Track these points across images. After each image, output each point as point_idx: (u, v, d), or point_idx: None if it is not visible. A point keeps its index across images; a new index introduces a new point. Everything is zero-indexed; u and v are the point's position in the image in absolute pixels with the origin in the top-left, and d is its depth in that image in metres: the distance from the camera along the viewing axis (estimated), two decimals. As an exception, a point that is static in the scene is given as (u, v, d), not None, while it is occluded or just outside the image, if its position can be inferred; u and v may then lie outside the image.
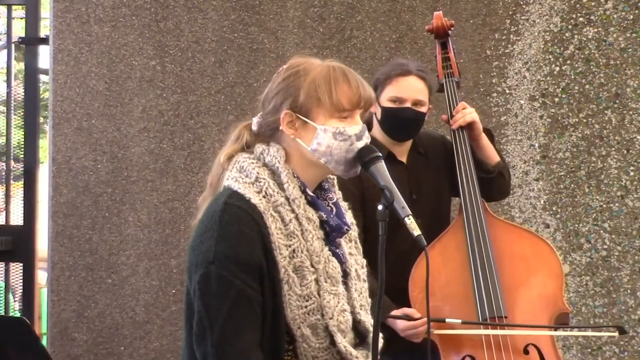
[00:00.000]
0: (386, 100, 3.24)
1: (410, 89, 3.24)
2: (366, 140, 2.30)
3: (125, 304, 4.70)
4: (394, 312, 3.11)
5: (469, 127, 3.34)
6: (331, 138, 2.26)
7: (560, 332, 3.10)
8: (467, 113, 3.34)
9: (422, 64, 3.41)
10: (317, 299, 2.25)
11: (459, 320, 3.08)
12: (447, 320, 3.08)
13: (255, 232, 2.21)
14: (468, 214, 3.25)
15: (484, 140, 3.37)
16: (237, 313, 2.18)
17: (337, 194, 2.41)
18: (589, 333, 3.09)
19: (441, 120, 3.57)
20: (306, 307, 2.23)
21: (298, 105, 2.28)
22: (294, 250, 2.24)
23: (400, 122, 3.27)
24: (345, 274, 2.33)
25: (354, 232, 2.42)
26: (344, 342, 2.26)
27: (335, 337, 2.25)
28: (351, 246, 2.39)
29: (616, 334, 3.21)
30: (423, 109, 3.28)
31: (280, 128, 2.30)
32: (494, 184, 3.38)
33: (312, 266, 2.25)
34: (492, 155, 3.38)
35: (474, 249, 3.20)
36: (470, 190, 3.29)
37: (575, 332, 3.03)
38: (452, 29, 3.55)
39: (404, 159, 3.34)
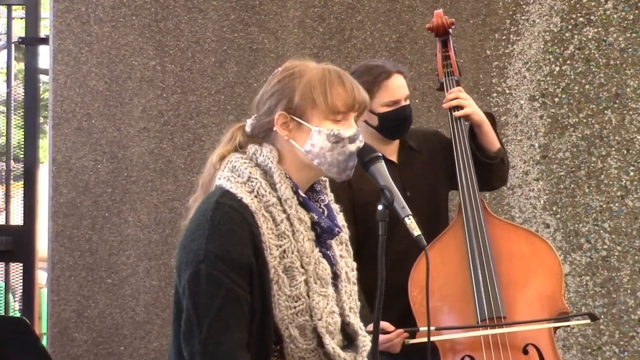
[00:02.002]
0: (380, 106, 3.23)
1: (399, 89, 3.26)
2: (359, 143, 2.29)
3: (125, 304, 4.70)
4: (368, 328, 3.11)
5: (467, 118, 3.35)
6: (325, 140, 2.26)
7: (541, 325, 3.10)
8: (461, 97, 3.34)
9: (388, 59, 3.41)
10: (306, 299, 2.25)
11: (433, 327, 3.07)
12: (421, 329, 3.07)
13: (246, 231, 2.21)
14: (467, 213, 3.24)
15: (486, 126, 3.36)
16: (225, 312, 2.19)
17: (329, 196, 2.41)
18: (563, 324, 3.09)
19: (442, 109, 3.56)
20: (295, 307, 2.23)
21: (293, 107, 2.28)
22: (284, 251, 2.24)
23: (402, 121, 3.29)
24: (336, 276, 2.33)
25: (345, 234, 2.42)
26: (332, 343, 2.26)
27: (323, 339, 2.25)
28: (342, 248, 2.39)
29: (588, 320, 3.20)
30: (408, 100, 3.31)
31: (274, 129, 2.30)
32: (495, 169, 3.37)
33: (302, 267, 2.25)
34: (494, 142, 3.37)
35: (473, 248, 3.20)
36: (469, 190, 3.28)
37: (552, 324, 3.07)
38: (453, 27, 3.54)
39: (394, 158, 3.34)
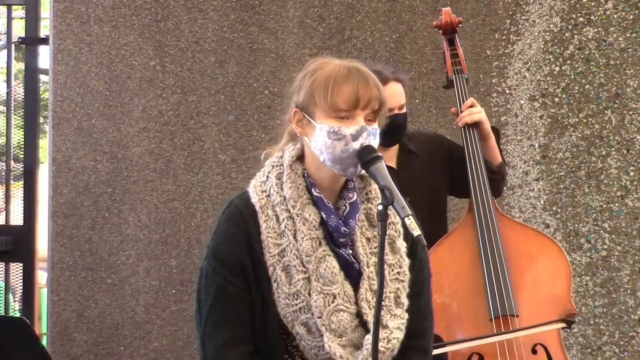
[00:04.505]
0: None
1: (393, 97, 3.26)
2: (362, 140, 2.29)
3: (125, 304, 4.70)
4: None
5: (476, 126, 3.34)
6: (326, 137, 2.28)
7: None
8: (474, 112, 3.34)
9: (388, 64, 3.40)
10: (306, 297, 2.28)
11: (453, 347, 3.06)
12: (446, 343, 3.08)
13: (242, 230, 2.30)
14: (479, 211, 3.25)
15: (492, 140, 3.37)
16: (217, 308, 2.29)
17: (371, 194, 2.38)
18: (536, 330, 3.08)
19: (451, 113, 3.56)
20: (295, 305, 2.28)
21: (301, 104, 2.33)
22: (283, 250, 2.29)
23: (392, 129, 3.27)
24: (359, 274, 2.33)
25: (393, 231, 2.38)
26: (332, 341, 2.27)
27: (323, 336, 2.27)
28: (370, 246, 2.36)
29: (562, 325, 3.16)
30: (405, 109, 3.32)
31: (292, 125, 2.36)
32: (495, 184, 3.39)
33: (303, 265, 2.28)
34: (497, 156, 3.39)
35: (485, 246, 3.20)
36: (480, 188, 3.29)
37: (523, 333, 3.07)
38: (460, 25, 3.55)
39: (393, 164, 3.35)
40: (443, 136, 3.57)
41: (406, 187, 3.23)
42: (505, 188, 4.54)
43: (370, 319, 2.30)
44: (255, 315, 2.30)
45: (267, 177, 2.35)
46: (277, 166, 2.36)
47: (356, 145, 2.28)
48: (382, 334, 2.29)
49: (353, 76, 2.30)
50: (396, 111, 3.27)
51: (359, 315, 2.31)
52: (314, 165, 2.34)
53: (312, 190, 2.32)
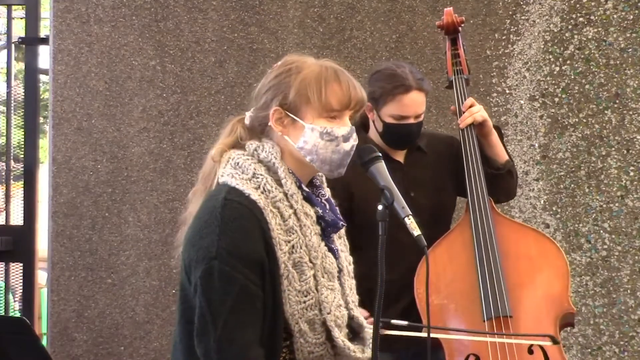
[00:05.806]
0: (388, 116, 3.22)
1: (412, 106, 3.22)
2: (353, 142, 2.31)
3: (125, 304, 4.70)
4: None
5: (480, 125, 3.33)
6: (318, 137, 2.27)
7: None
8: (474, 112, 3.32)
9: (415, 68, 3.38)
10: (315, 294, 2.26)
11: (458, 336, 3.05)
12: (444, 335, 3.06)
13: (257, 227, 2.22)
14: (475, 211, 3.24)
15: (495, 137, 3.34)
16: (239, 308, 2.19)
17: (327, 191, 2.43)
18: (523, 341, 3.05)
19: (450, 113, 3.55)
20: (305, 302, 2.25)
21: (287, 103, 2.29)
22: (293, 246, 2.25)
23: (403, 136, 3.28)
24: (339, 270, 2.36)
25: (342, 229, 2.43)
26: (342, 336, 2.28)
27: (332, 332, 2.27)
28: (341, 243, 2.41)
29: (549, 343, 3.04)
30: (422, 117, 3.28)
31: (269, 124, 2.31)
32: (502, 181, 3.36)
33: (311, 261, 2.27)
34: (501, 154, 3.36)
35: (480, 247, 3.19)
36: (477, 188, 3.27)
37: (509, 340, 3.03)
38: (463, 25, 3.54)
39: (400, 158, 3.34)
40: (455, 138, 3.54)
41: (411, 184, 3.24)
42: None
43: (355, 313, 2.34)
44: (265, 315, 2.23)
45: (254, 173, 2.27)
46: (257, 163, 2.29)
47: (347, 146, 2.29)
48: (368, 330, 2.34)
49: (343, 77, 2.30)
50: (411, 120, 3.23)
51: (346, 309, 2.33)
52: (292, 162, 2.31)
53: (302, 186, 2.31)
